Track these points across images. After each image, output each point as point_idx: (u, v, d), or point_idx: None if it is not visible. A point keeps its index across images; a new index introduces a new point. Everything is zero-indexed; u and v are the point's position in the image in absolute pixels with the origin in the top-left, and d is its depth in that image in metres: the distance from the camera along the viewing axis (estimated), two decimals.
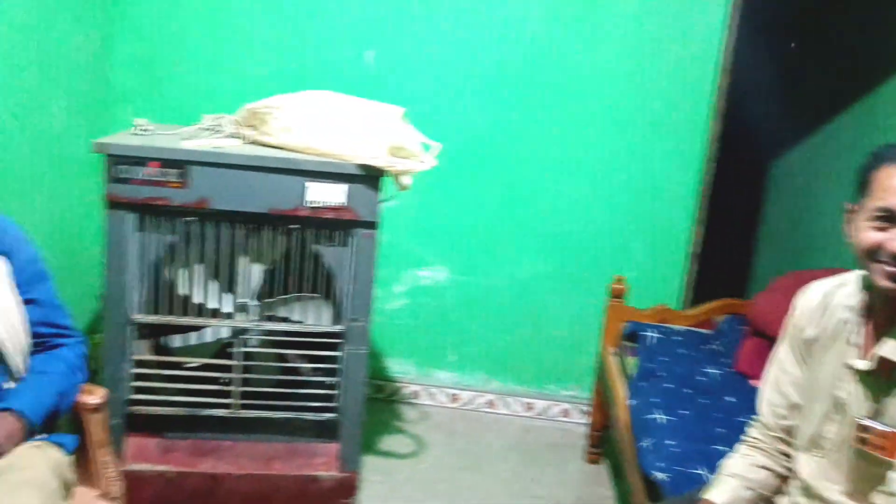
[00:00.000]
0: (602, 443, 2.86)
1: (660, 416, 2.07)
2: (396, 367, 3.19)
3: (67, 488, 1.48)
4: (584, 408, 3.11)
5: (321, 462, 2.18)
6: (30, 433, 1.48)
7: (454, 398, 3.19)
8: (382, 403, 3.15)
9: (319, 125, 2.02)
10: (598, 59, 2.88)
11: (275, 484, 2.13)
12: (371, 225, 2.06)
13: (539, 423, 3.15)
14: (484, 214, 3.02)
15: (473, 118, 2.93)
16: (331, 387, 2.16)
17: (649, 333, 2.64)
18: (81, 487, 1.66)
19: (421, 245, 3.06)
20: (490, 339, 3.14)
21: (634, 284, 2.85)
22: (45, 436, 1.55)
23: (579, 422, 3.13)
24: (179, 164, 1.90)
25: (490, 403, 3.19)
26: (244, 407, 2.11)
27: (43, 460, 1.42)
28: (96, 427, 1.69)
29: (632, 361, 2.56)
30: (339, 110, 2.07)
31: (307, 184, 1.98)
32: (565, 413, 3.17)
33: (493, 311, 3.11)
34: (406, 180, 2.07)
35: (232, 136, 2.10)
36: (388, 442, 2.86)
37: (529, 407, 3.18)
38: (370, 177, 2.01)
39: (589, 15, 2.85)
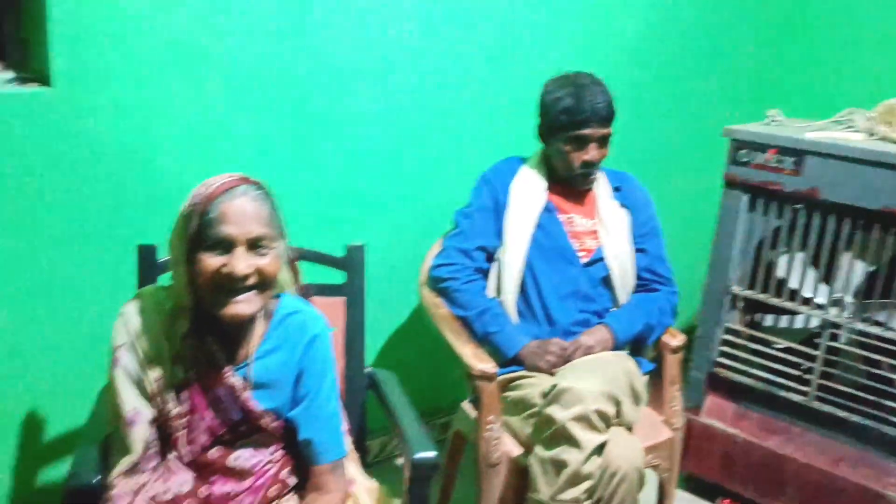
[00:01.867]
0: None
1: None
2: None
3: (636, 398, 1.81)
4: None
5: (893, 482, 2.03)
6: (616, 346, 1.89)
7: None
8: None
9: None
10: None
11: (838, 486, 2.08)
12: None
13: None
14: None
15: None
16: None
17: None
18: (648, 409, 2.00)
19: None
20: None
21: None
22: (627, 352, 1.93)
23: None
24: (797, 153, 2.02)
25: None
26: (819, 399, 2.12)
27: (619, 362, 1.79)
28: (672, 365, 2.00)
29: None
30: None
31: None
32: None
33: None
34: None
35: (861, 130, 2.09)
36: None
37: None
38: None
39: None
